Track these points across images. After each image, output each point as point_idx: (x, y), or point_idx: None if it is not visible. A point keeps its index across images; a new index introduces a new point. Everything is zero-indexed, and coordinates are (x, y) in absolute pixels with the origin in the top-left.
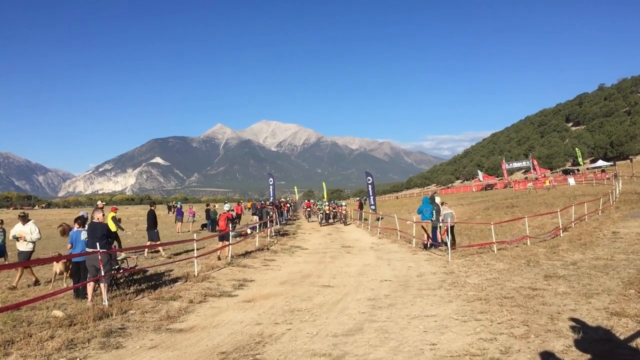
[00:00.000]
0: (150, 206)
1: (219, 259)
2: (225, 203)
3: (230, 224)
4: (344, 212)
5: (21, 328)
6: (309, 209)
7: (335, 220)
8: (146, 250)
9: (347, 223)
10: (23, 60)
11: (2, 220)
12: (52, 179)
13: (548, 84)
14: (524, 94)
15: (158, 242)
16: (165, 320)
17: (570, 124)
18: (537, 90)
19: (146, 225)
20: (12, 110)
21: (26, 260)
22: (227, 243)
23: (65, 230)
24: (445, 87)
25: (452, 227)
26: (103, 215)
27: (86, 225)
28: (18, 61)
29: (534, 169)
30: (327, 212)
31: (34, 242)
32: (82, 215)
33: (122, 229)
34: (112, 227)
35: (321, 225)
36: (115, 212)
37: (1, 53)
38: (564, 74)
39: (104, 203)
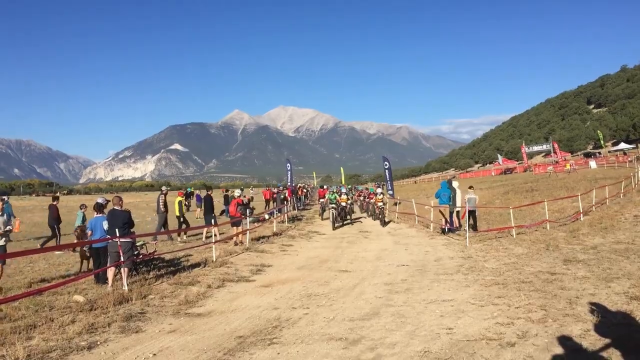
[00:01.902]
0: (207, 191)
1: (236, 244)
2: (243, 188)
3: (247, 210)
4: (380, 203)
5: (43, 313)
6: (322, 200)
7: (368, 215)
8: (215, 233)
9: (387, 220)
10: (43, 48)
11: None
12: (73, 166)
13: (569, 66)
14: (545, 76)
15: (183, 227)
16: (183, 305)
17: (592, 106)
18: (558, 72)
19: (203, 210)
20: (32, 98)
21: (46, 247)
22: (240, 229)
23: (80, 237)
24: (464, 70)
25: (473, 212)
26: (121, 202)
27: (106, 212)
28: (38, 50)
29: (555, 152)
30: (345, 204)
31: (7, 235)
32: (100, 202)
33: (198, 216)
34: (177, 211)
35: (334, 229)
36: (182, 197)
37: (22, 41)
38: (585, 56)
39: (168, 188)
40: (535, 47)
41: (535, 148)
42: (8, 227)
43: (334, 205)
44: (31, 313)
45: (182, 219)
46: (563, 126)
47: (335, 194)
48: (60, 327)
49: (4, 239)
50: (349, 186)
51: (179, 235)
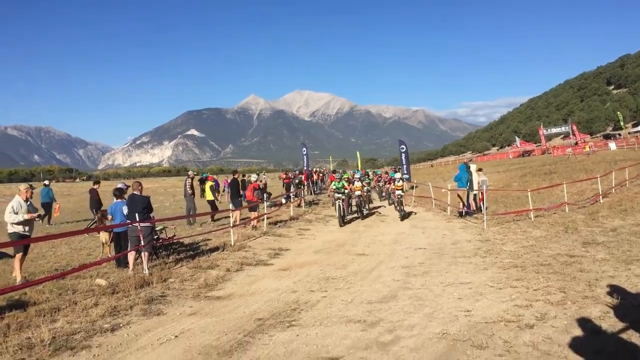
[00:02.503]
0: (233, 174)
1: (253, 228)
2: (259, 173)
3: (265, 194)
4: (398, 192)
5: (66, 296)
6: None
7: (389, 203)
8: (237, 217)
9: (406, 212)
10: (62, 37)
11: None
12: (91, 152)
13: (588, 46)
14: (563, 57)
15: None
16: (203, 288)
17: (612, 87)
18: (577, 53)
19: (230, 194)
20: (52, 85)
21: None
22: (257, 213)
23: (102, 219)
24: (481, 52)
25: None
26: (141, 187)
27: (126, 197)
28: (57, 38)
29: (574, 134)
30: (360, 193)
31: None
32: (120, 187)
33: (218, 200)
34: (209, 195)
35: (341, 225)
36: (213, 182)
37: (41, 30)
38: (605, 35)
39: (194, 173)
40: (553, 28)
41: (554, 130)
42: (37, 214)
43: (341, 196)
44: (55, 296)
45: (214, 204)
46: (582, 108)
47: (343, 182)
48: (84, 310)
49: (27, 227)
50: (367, 170)
51: (212, 218)
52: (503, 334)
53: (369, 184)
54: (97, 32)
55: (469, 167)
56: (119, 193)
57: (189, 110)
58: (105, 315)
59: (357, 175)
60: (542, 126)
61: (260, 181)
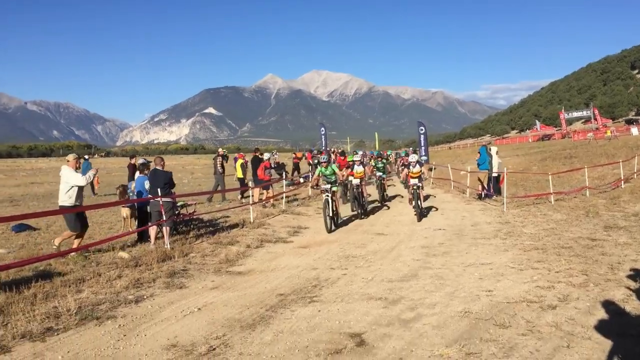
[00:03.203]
0: (254, 152)
1: (264, 207)
2: (272, 152)
3: (284, 172)
4: (415, 180)
5: (90, 268)
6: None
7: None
8: (256, 194)
9: (424, 210)
10: (80, 12)
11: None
12: (110, 129)
13: (613, 29)
14: (587, 40)
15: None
16: (224, 264)
17: (636, 71)
18: (601, 36)
19: (251, 172)
20: (70, 61)
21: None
22: (271, 191)
23: (122, 193)
24: (502, 34)
25: (498, 176)
26: (163, 162)
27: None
28: (75, 14)
29: (595, 119)
30: (362, 181)
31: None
32: (143, 162)
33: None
34: (240, 173)
35: (329, 231)
36: (243, 159)
37: (60, 8)
38: (630, 18)
39: (224, 151)
40: (577, 9)
41: (575, 114)
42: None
43: (328, 187)
44: (79, 268)
45: (244, 181)
46: (604, 92)
47: (332, 166)
48: (108, 282)
49: (80, 199)
50: (389, 152)
51: (242, 195)
52: (525, 314)
53: (383, 168)
54: (115, 8)
55: (490, 149)
56: (142, 167)
57: (207, 88)
58: (129, 287)
59: (356, 157)
60: (563, 110)
61: (275, 159)
